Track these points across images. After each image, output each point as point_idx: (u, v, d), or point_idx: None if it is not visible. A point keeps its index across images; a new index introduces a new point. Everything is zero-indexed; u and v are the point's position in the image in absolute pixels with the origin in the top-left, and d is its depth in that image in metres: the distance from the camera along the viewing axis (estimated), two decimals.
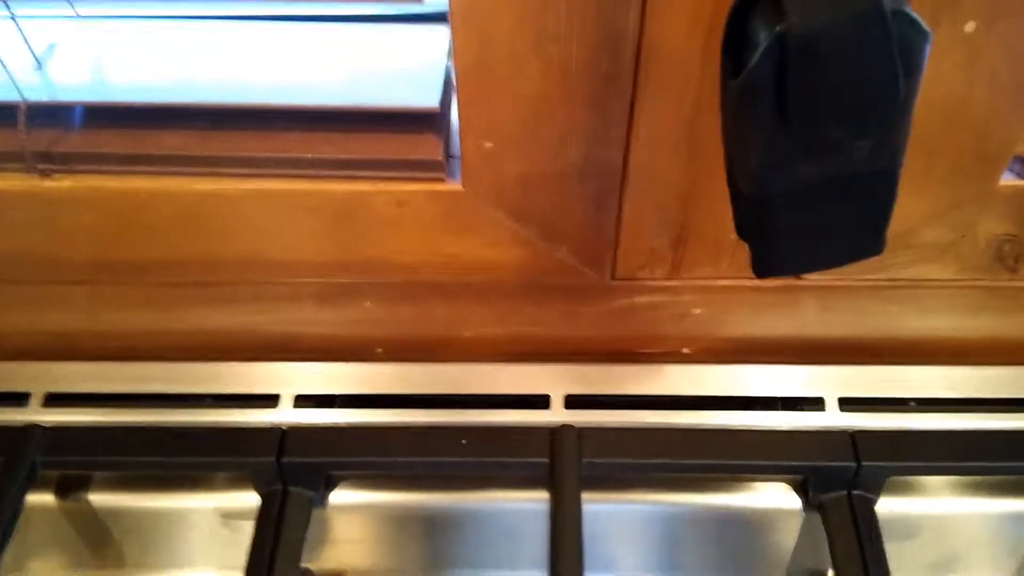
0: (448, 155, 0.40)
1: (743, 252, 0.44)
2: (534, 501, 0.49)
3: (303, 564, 0.48)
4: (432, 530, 0.52)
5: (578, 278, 0.45)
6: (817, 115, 0.26)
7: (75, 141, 0.39)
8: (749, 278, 0.46)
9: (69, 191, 0.39)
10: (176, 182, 0.39)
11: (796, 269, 0.32)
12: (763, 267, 0.31)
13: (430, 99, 0.37)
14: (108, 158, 0.39)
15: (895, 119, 0.27)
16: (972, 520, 0.51)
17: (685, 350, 0.51)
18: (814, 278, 0.47)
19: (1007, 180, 0.42)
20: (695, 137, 0.36)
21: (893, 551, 0.45)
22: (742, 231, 0.31)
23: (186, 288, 0.46)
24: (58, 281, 0.46)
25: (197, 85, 0.38)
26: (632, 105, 0.35)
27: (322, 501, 0.49)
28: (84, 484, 0.50)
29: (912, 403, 0.50)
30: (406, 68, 0.38)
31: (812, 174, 0.28)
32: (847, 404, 0.49)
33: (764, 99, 0.26)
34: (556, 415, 0.48)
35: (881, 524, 0.46)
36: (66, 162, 0.39)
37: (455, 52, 0.33)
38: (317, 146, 0.38)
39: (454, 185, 0.40)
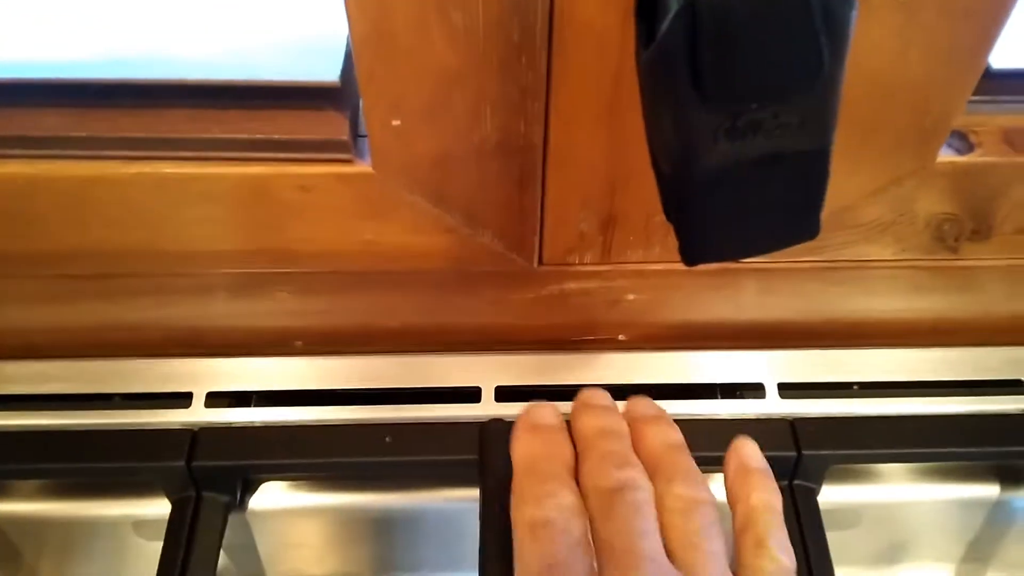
0: (356, 134, 0.37)
1: (674, 235, 0.42)
2: (464, 498, 0.47)
3: (222, 574, 0.46)
4: (364, 532, 0.49)
5: (505, 264, 0.42)
6: (734, 91, 0.24)
7: None
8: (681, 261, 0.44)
9: None
10: (55, 166, 0.36)
11: (725, 255, 0.29)
12: (691, 253, 0.29)
13: (330, 72, 0.34)
14: None
15: (821, 95, 0.25)
16: (916, 507, 0.50)
17: (620, 337, 0.49)
18: (752, 260, 0.45)
19: (945, 156, 0.40)
20: (618, 112, 0.34)
21: (835, 541, 0.44)
22: (668, 214, 0.29)
23: (83, 281, 0.43)
24: None
25: (74, 59, 0.34)
26: (548, 77, 0.32)
27: (240, 506, 0.46)
28: None
29: (855, 387, 0.48)
30: (304, 38, 0.35)
31: (735, 153, 0.25)
32: (787, 390, 0.48)
33: (678, 71, 0.24)
34: (487, 408, 0.46)
35: (822, 513, 0.45)
36: None
37: (350, 20, 0.30)
38: (207, 126, 0.35)
39: (363, 167, 0.37)
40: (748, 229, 0.29)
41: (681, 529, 0.31)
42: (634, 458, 0.32)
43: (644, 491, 0.31)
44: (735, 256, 0.30)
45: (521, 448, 0.34)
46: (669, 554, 0.30)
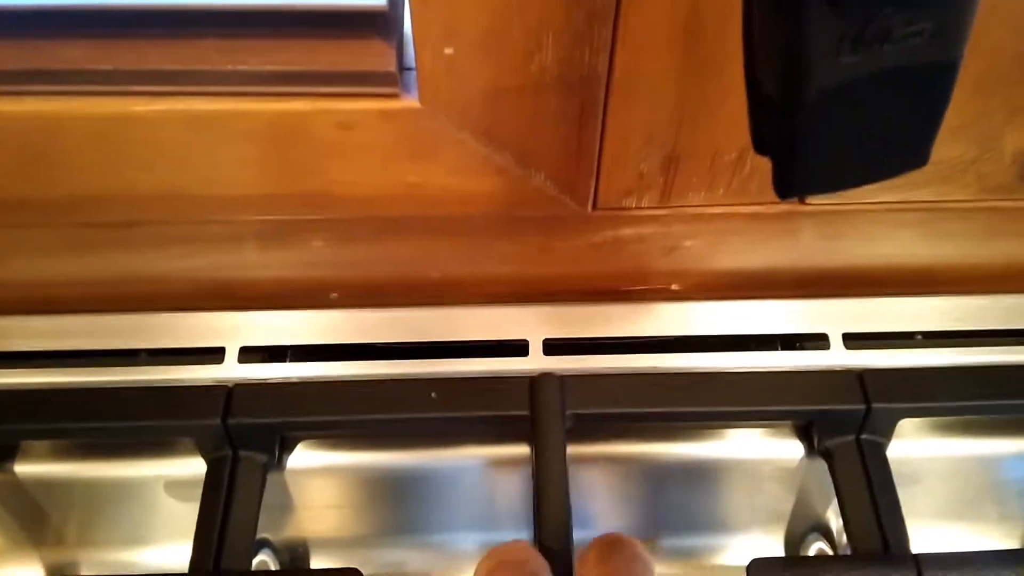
0: (401, 66, 0.34)
1: (742, 174, 0.39)
2: (513, 456, 0.45)
3: (260, 535, 0.44)
4: (401, 492, 0.47)
5: (556, 208, 0.39)
6: None
7: None
8: (746, 204, 0.41)
9: None
10: (79, 103, 0.33)
11: (827, 186, 0.26)
12: (789, 184, 0.26)
13: None
14: None
15: None
16: (982, 463, 0.47)
17: (674, 286, 0.46)
18: (817, 202, 0.42)
19: None
20: (694, 34, 0.31)
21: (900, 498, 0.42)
22: (762, 145, 0.26)
23: (107, 229, 0.40)
24: None
25: None
26: None
27: (277, 465, 0.44)
28: (9, 455, 0.45)
29: (918, 336, 0.46)
30: None
31: (857, 68, 0.22)
32: (852, 340, 0.45)
33: None
34: (535, 362, 0.44)
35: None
36: None
37: None
38: (241, 56, 0.32)
39: (410, 101, 0.34)
40: (854, 156, 0.26)
41: None
42: None
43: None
44: (837, 187, 0.27)
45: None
46: None
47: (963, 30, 0.23)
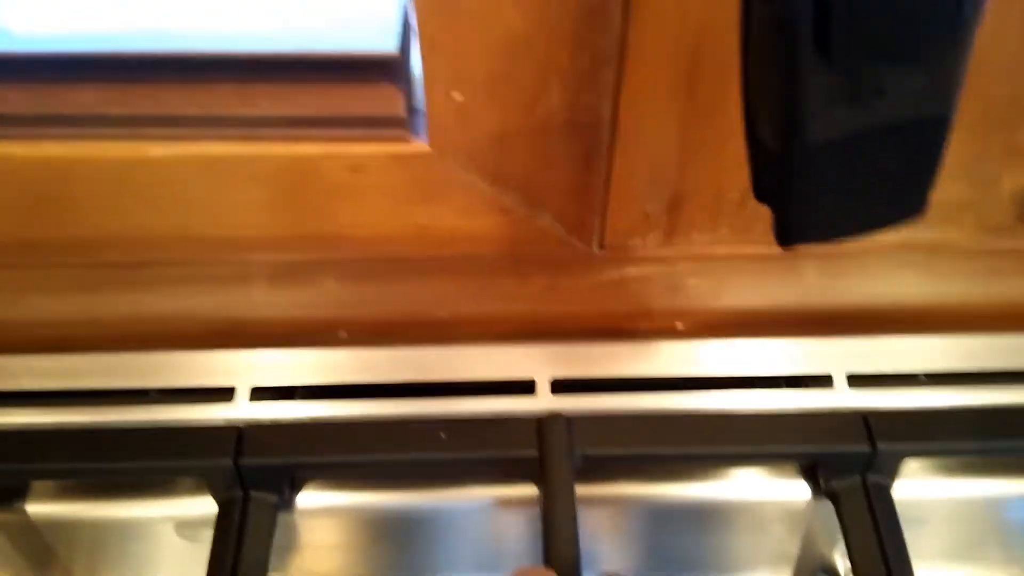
0: (411, 110, 0.34)
1: (745, 215, 0.40)
2: (521, 497, 0.45)
3: (270, 574, 0.44)
4: (409, 532, 0.47)
5: (563, 249, 0.40)
6: (864, 48, 0.22)
7: None
8: (750, 243, 0.42)
9: None
10: (93, 147, 0.34)
11: (826, 236, 0.27)
12: (789, 235, 0.26)
13: (387, 43, 0.32)
14: (13, 120, 0.33)
15: (954, 51, 0.22)
16: (986, 504, 0.47)
17: (678, 325, 0.47)
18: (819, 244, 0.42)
19: None
20: (697, 81, 0.32)
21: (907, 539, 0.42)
22: (762, 194, 0.27)
23: (118, 269, 0.41)
24: None
25: (114, 31, 0.32)
26: (623, 43, 0.30)
27: (287, 505, 0.44)
28: (20, 494, 0.45)
29: (922, 377, 0.46)
30: (358, 7, 0.32)
31: (852, 122, 0.23)
32: (856, 381, 0.45)
33: (800, 28, 0.21)
34: (543, 401, 0.44)
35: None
36: None
37: None
38: (255, 101, 0.33)
39: (419, 145, 0.35)
40: (852, 207, 0.27)
41: None
42: None
43: None
44: (836, 237, 0.27)
45: None
46: None
47: (955, 85, 0.23)
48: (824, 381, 0.45)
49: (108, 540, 0.47)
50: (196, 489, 0.45)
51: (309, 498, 0.44)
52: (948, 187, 0.39)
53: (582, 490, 0.42)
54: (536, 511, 0.43)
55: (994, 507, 0.47)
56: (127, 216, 0.37)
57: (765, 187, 0.27)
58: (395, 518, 0.46)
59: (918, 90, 0.23)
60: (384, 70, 0.33)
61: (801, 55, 0.22)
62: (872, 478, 0.43)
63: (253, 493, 0.42)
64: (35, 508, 0.45)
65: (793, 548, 0.47)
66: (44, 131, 0.34)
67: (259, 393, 0.44)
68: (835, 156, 0.24)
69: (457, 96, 0.32)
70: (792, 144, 0.24)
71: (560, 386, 0.44)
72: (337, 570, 0.49)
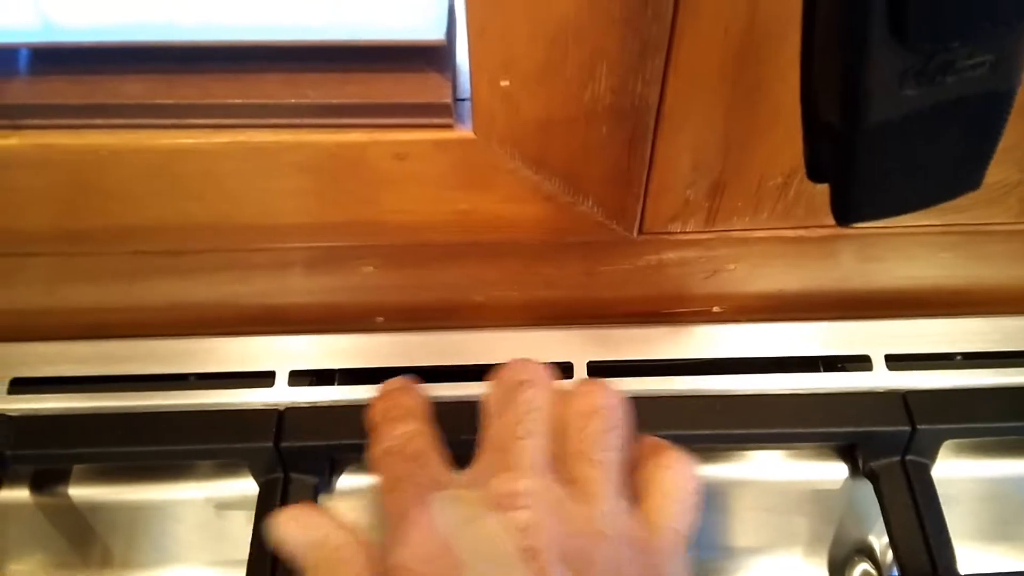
0: (456, 97, 0.34)
1: (786, 200, 0.39)
2: None
3: None
4: None
5: (603, 234, 0.40)
6: (939, 29, 0.21)
7: (20, 91, 0.33)
8: (790, 228, 0.41)
9: (16, 150, 0.34)
10: (139, 136, 0.34)
11: (885, 212, 0.27)
12: (849, 212, 0.26)
13: (434, 30, 0.31)
14: (60, 110, 0.33)
15: (1022, 28, 0.22)
16: (1022, 483, 0.47)
17: (715, 309, 0.47)
18: (860, 225, 0.42)
19: None
20: (745, 62, 0.31)
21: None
22: (818, 172, 0.26)
23: (159, 257, 0.41)
24: (12, 253, 0.40)
25: (161, 21, 0.32)
26: (673, 26, 0.30)
27: (328, 487, 0.44)
28: (62, 477, 0.46)
29: (958, 357, 0.46)
30: None
31: (919, 99, 0.23)
32: (895, 361, 0.45)
33: (874, 12, 0.21)
34: None
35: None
36: (10, 116, 0.33)
37: None
38: (301, 90, 0.33)
39: (464, 132, 0.34)
40: (911, 183, 0.27)
41: (574, 436, 0.32)
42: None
43: (543, 395, 0.33)
44: (894, 212, 0.27)
45: (371, 412, 0.37)
46: (558, 461, 0.31)
47: (1021, 60, 0.23)
48: (863, 362, 0.45)
49: (146, 522, 0.48)
50: (233, 471, 0.45)
51: (350, 480, 0.45)
52: (993, 169, 0.38)
53: None
54: None
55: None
56: (171, 205, 0.37)
57: (824, 167, 0.27)
58: None
59: (986, 66, 0.23)
60: (430, 58, 0.33)
61: (874, 35, 0.21)
62: (912, 458, 0.43)
63: (294, 475, 0.43)
64: (76, 491, 0.46)
65: (829, 528, 0.48)
66: (89, 121, 0.34)
67: (298, 377, 0.44)
68: (899, 133, 0.24)
69: (504, 83, 0.32)
70: (857, 123, 0.24)
71: (597, 369, 0.44)
72: None
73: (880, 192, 0.26)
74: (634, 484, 0.32)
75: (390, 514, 0.31)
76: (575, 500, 0.30)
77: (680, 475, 0.33)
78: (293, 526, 0.32)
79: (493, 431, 0.33)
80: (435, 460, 0.34)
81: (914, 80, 0.22)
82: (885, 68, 0.22)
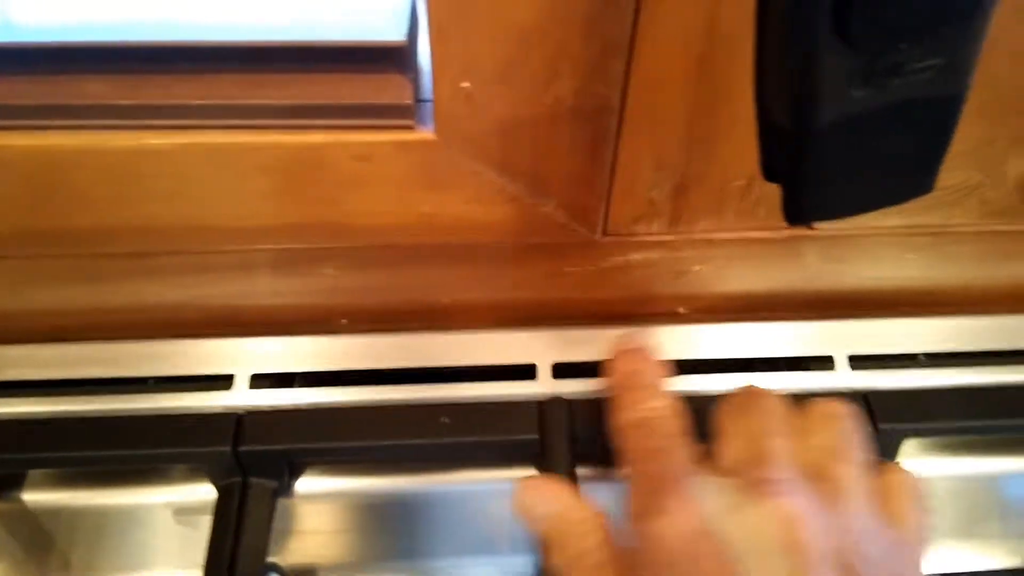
0: (417, 98, 0.34)
1: (749, 201, 0.40)
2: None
3: (269, 559, 0.44)
4: (410, 516, 0.47)
5: (567, 235, 0.40)
6: (883, 30, 0.21)
7: None
8: (754, 229, 0.42)
9: None
10: (100, 137, 0.33)
11: (836, 213, 0.27)
12: (799, 212, 0.26)
13: (395, 31, 0.31)
14: (18, 111, 0.32)
15: (973, 30, 0.22)
16: (985, 482, 0.48)
17: (680, 310, 0.47)
18: (824, 226, 0.42)
19: None
20: (706, 65, 0.31)
21: None
22: (772, 172, 0.27)
23: (120, 259, 0.40)
24: None
25: (121, 21, 0.31)
26: (635, 28, 0.30)
27: (287, 491, 0.44)
28: (16, 482, 0.45)
29: (922, 357, 0.46)
30: None
31: (867, 100, 0.23)
32: (858, 362, 0.45)
33: (819, 11, 0.21)
34: (544, 386, 0.44)
35: None
36: None
37: None
38: (263, 91, 0.32)
39: (426, 134, 0.34)
40: (862, 185, 0.27)
41: (823, 437, 0.33)
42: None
43: (782, 403, 0.34)
44: (845, 214, 0.28)
45: (612, 369, 0.38)
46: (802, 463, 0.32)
47: (971, 64, 0.23)
48: (826, 363, 0.45)
49: (106, 528, 0.47)
50: (195, 476, 0.45)
51: (309, 484, 0.44)
52: (954, 171, 0.40)
53: (584, 472, 0.43)
54: None
55: (993, 485, 0.48)
56: (131, 206, 0.36)
57: (776, 167, 0.27)
58: (396, 503, 0.47)
59: (934, 69, 0.23)
60: (392, 59, 0.33)
61: (819, 36, 0.22)
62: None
63: (252, 479, 0.42)
64: (33, 497, 0.45)
65: None
66: (49, 122, 0.33)
67: (259, 380, 0.44)
68: (849, 134, 0.24)
69: (465, 85, 0.32)
70: (807, 124, 0.24)
71: (562, 370, 0.44)
72: (338, 555, 0.49)
73: (830, 193, 0.26)
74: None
75: (640, 484, 0.32)
76: (828, 496, 0.31)
77: (914, 480, 0.34)
78: (536, 496, 0.34)
79: (738, 430, 0.34)
80: (687, 442, 0.34)
81: (862, 81, 0.22)
82: (832, 68, 0.22)
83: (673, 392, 0.36)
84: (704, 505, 0.29)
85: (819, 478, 0.31)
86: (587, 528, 0.32)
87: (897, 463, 0.35)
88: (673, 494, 0.29)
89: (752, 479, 0.30)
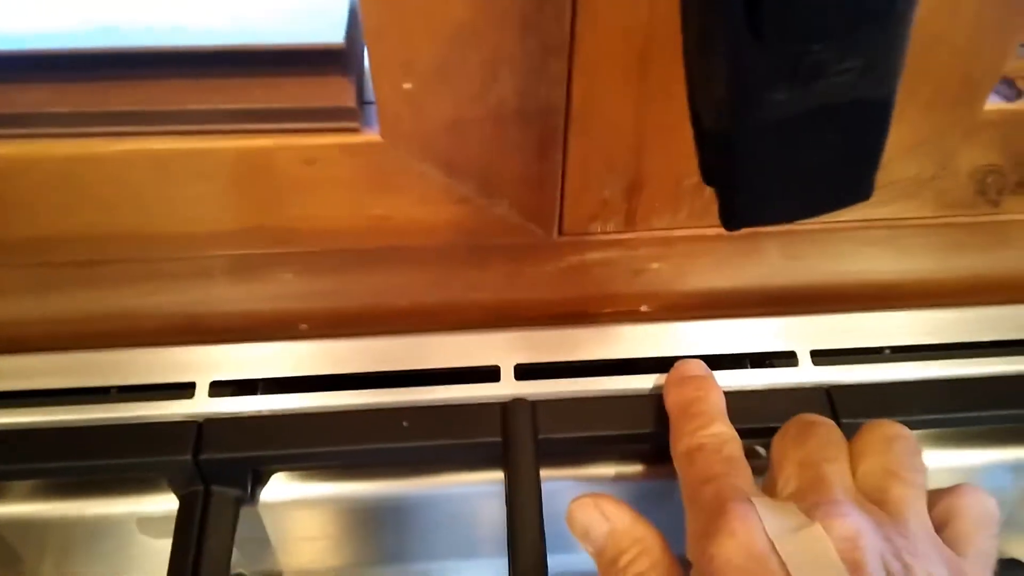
0: (362, 100, 0.34)
1: (704, 198, 0.39)
2: (488, 482, 0.45)
3: (235, 569, 0.43)
4: (377, 522, 0.47)
5: (522, 236, 0.40)
6: (795, 30, 0.21)
7: None
8: (711, 226, 0.42)
9: None
10: (39, 146, 0.33)
11: (771, 219, 0.27)
12: (733, 218, 0.26)
13: (333, 33, 0.31)
14: None
15: (891, 33, 0.22)
16: (952, 475, 0.48)
17: (643, 308, 0.47)
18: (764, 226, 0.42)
19: (992, 104, 0.37)
20: (649, 67, 0.31)
21: None
22: (708, 176, 0.26)
23: (69, 268, 0.40)
24: None
25: (56, 28, 0.31)
26: (573, 27, 0.30)
27: (251, 499, 0.44)
28: None
29: (887, 351, 0.46)
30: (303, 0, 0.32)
31: (792, 104, 0.23)
32: (820, 357, 0.45)
33: (732, 10, 0.21)
34: (507, 387, 0.43)
35: None
36: None
37: None
38: (203, 96, 0.32)
39: (371, 135, 0.34)
40: (797, 190, 0.27)
41: (881, 458, 0.33)
42: None
43: (836, 429, 0.35)
44: (781, 220, 0.27)
45: (672, 397, 0.39)
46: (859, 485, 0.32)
47: (893, 68, 0.23)
48: (789, 358, 0.45)
49: (74, 539, 0.47)
50: (159, 485, 0.44)
51: (274, 491, 0.44)
52: (906, 164, 0.40)
53: (550, 473, 0.43)
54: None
55: (959, 478, 0.47)
56: (76, 215, 0.36)
57: (710, 170, 0.27)
58: (362, 508, 0.46)
59: (855, 72, 0.23)
60: (333, 61, 0.33)
61: (735, 36, 0.21)
62: None
63: (214, 488, 0.42)
64: None
65: None
66: None
67: (219, 387, 0.43)
68: (776, 138, 0.24)
69: (407, 86, 0.32)
70: (732, 126, 0.24)
71: (525, 372, 0.44)
72: (306, 562, 0.49)
73: (764, 198, 0.26)
74: (933, 517, 0.33)
75: (702, 507, 0.32)
76: (887, 518, 0.31)
77: (982, 503, 0.34)
78: (595, 513, 0.34)
79: (794, 458, 0.34)
80: (748, 468, 0.34)
81: (783, 84, 0.22)
82: (752, 70, 0.22)
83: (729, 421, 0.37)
84: (771, 525, 0.30)
85: (878, 500, 0.32)
86: (642, 548, 0.33)
87: (966, 485, 0.35)
88: (736, 516, 0.30)
89: (811, 503, 0.31)
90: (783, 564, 0.28)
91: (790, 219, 0.27)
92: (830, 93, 0.23)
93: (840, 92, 0.23)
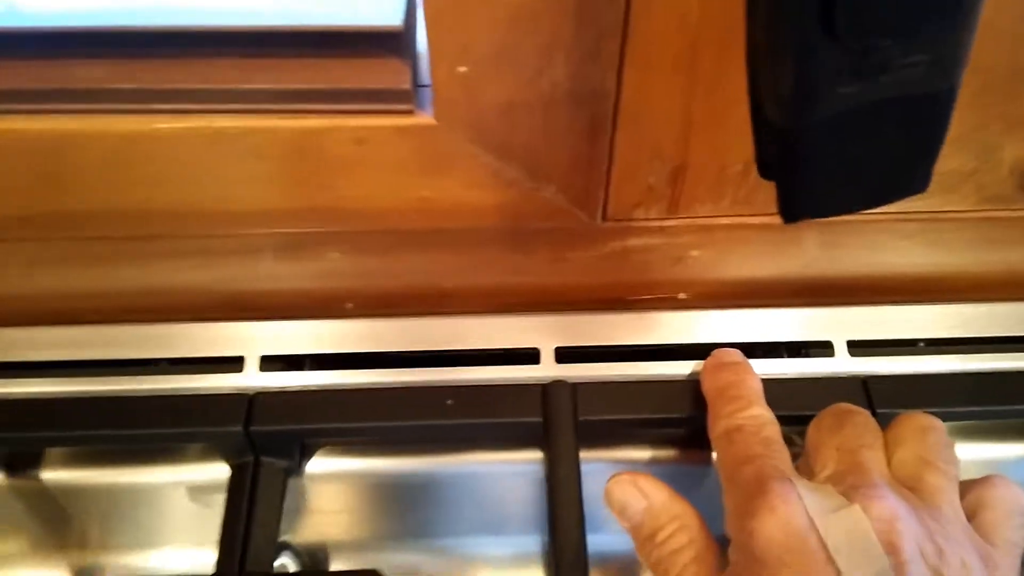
0: (416, 83, 0.35)
1: (747, 186, 0.40)
2: (525, 462, 0.46)
3: (281, 538, 0.45)
4: (417, 497, 0.48)
5: (567, 221, 0.40)
6: (867, 25, 0.22)
7: None
8: (752, 215, 0.42)
9: None
10: (98, 121, 0.34)
11: (831, 211, 0.27)
12: (793, 210, 0.27)
13: (392, 16, 0.32)
14: (17, 95, 0.33)
15: (959, 28, 0.23)
16: (982, 467, 0.48)
17: (681, 295, 0.47)
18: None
19: None
20: (700, 54, 0.32)
21: None
22: (766, 169, 0.27)
23: (121, 243, 0.41)
24: None
25: (122, 7, 0.32)
26: (627, 13, 0.30)
27: (298, 470, 0.45)
28: (35, 461, 0.46)
29: (920, 344, 0.47)
30: None
31: (857, 96, 0.23)
32: (856, 347, 0.46)
33: (805, 7, 0.21)
34: (547, 370, 0.44)
35: None
36: None
37: None
38: (259, 75, 0.33)
39: (424, 118, 0.35)
40: (856, 182, 0.27)
41: (916, 447, 0.34)
42: None
43: (871, 418, 0.36)
44: (840, 211, 0.28)
45: (709, 382, 0.39)
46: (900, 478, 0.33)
47: (958, 61, 0.23)
48: (825, 348, 0.46)
49: (122, 506, 0.48)
50: (208, 455, 0.46)
51: (319, 464, 0.45)
52: (948, 158, 0.40)
53: (587, 454, 0.43)
54: (541, 475, 0.44)
55: (993, 470, 0.48)
56: (130, 190, 0.37)
57: (770, 163, 0.27)
58: (403, 483, 0.47)
59: (922, 66, 0.23)
60: (389, 44, 0.33)
61: (806, 32, 0.22)
62: None
63: (264, 459, 0.43)
64: (50, 475, 0.46)
65: None
66: (49, 106, 0.34)
67: (268, 363, 0.44)
68: (840, 131, 0.25)
69: (462, 69, 0.32)
70: (797, 120, 0.24)
71: (565, 355, 0.45)
72: (347, 533, 0.50)
73: (823, 191, 0.26)
74: (963, 506, 0.34)
75: (741, 487, 0.32)
76: (921, 504, 0.31)
77: (1013, 494, 0.34)
78: (632, 490, 0.35)
79: (832, 444, 0.35)
80: (786, 451, 0.35)
81: (850, 78, 0.23)
82: (820, 65, 0.22)
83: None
84: (811, 505, 0.30)
85: (913, 488, 0.32)
86: (680, 524, 0.34)
87: (997, 475, 0.35)
88: (778, 493, 0.30)
89: (848, 485, 0.31)
90: (822, 542, 0.29)
91: (847, 211, 0.27)
92: (895, 86, 0.23)
93: (905, 85, 0.23)
